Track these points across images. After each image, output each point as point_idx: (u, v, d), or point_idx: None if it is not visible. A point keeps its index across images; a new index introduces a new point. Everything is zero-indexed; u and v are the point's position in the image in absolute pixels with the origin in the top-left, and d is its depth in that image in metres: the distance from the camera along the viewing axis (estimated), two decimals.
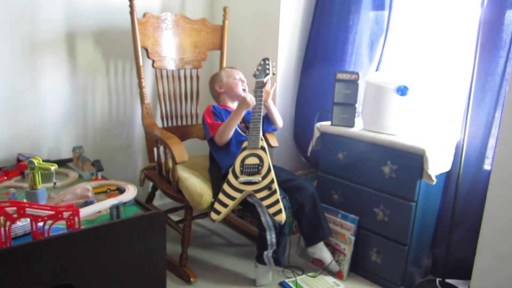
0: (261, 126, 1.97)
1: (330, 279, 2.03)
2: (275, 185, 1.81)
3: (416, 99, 1.90)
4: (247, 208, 1.95)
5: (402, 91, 1.87)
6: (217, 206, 1.84)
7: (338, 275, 2.08)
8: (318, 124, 2.16)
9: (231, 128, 2.01)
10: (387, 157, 1.90)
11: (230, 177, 1.88)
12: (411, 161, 1.82)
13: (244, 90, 2.19)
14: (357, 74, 2.05)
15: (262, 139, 1.94)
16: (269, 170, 1.84)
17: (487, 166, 1.85)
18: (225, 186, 1.87)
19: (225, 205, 1.83)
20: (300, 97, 2.48)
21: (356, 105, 2.07)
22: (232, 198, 1.83)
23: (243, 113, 2.02)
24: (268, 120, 2.19)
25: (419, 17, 2.16)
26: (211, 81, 2.26)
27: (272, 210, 1.77)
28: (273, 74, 2.14)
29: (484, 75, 1.79)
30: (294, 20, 2.39)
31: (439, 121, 2.05)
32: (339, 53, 2.28)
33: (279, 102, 2.44)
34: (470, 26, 1.90)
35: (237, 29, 2.55)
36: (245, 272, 2.10)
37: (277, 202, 1.78)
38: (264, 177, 1.83)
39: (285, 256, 1.96)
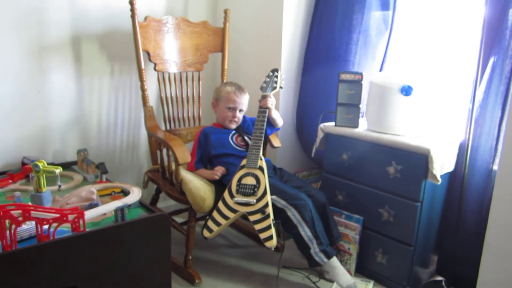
0: (261, 145, 1.97)
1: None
2: (269, 209, 1.78)
3: (420, 99, 1.89)
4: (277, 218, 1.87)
5: (406, 91, 1.87)
6: (210, 223, 1.83)
7: None
8: (322, 125, 2.16)
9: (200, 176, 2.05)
10: (391, 158, 1.89)
11: (226, 195, 1.87)
12: (416, 161, 1.82)
13: (231, 121, 2.13)
14: (361, 74, 2.04)
15: (261, 159, 1.93)
16: (264, 193, 1.82)
17: (493, 166, 1.84)
18: (220, 204, 1.86)
19: (218, 224, 1.82)
20: (302, 97, 2.48)
21: (360, 106, 2.07)
22: (225, 217, 1.82)
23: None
24: (269, 123, 2.14)
25: (423, 17, 2.15)
26: (214, 91, 2.23)
27: (263, 235, 1.73)
28: (281, 88, 2.12)
29: (486, 74, 1.77)
30: (295, 21, 2.39)
31: (443, 121, 2.04)
32: (342, 53, 2.28)
33: (281, 102, 2.44)
34: (474, 25, 1.89)
35: (239, 31, 2.56)
36: (249, 273, 2.09)
37: (269, 227, 1.74)
38: (259, 200, 1.81)
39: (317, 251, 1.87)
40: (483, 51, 1.70)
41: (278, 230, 1.82)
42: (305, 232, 1.85)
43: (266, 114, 2.02)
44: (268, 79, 2.10)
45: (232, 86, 2.15)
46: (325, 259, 1.87)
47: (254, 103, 2.16)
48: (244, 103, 2.15)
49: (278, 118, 2.15)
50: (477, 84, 1.74)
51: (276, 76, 2.09)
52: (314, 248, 1.86)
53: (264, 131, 2.00)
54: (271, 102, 2.06)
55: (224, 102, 2.13)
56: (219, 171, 2.02)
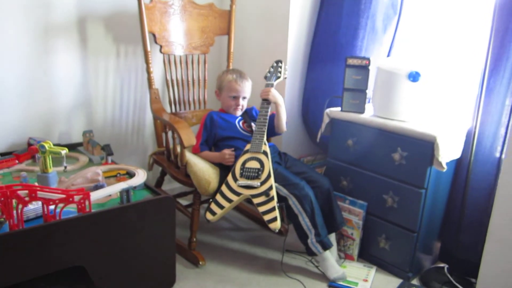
0: (265, 130, 1.96)
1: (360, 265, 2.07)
2: (273, 192, 1.79)
3: (427, 86, 1.87)
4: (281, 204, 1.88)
5: (413, 77, 1.85)
6: (213, 206, 1.83)
7: (349, 259, 2.09)
8: (328, 110, 2.15)
9: (206, 160, 2.05)
10: (397, 144, 1.88)
11: (229, 178, 1.87)
12: (422, 148, 1.81)
13: (235, 109, 2.13)
14: (368, 59, 2.02)
15: (265, 143, 1.93)
16: (268, 176, 1.83)
17: (498, 154, 1.82)
18: (223, 187, 1.86)
19: (221, 207, 1.82)
20: (309, 82, 2.46)
21: (367, 91, 2.05)
22: (229, 200, 1.83)
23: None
24: (271, 126, 2.11)
25: (432, 2, 2.11)
26: (217, 79, 2.22)
27: (267, 217, 1.75)
28: (285, 78, 2.12)
29: (498, 61, 1.75)
30: (303, 4, 2.36)
31: (450, 108, 2.02)
32: (350, 38, 2.24)
33: (288, 87, 2.42)
34: (485, 11, 1.85)
35: (246, 14, 2.52)
36: (253, 256, 2.12)
37: (273, 209, 1.76)
38: (263, 183, 1.82)
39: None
40: (493, 37, 1.67)
41: (282, 214, 1.83)
42: (305, 222, 1.87)
43: (269, 107, 2.03)
44: (272, 69, 2.12)
45: (233, 74, 2.14)
46: (321, 250, 1.89)
47: (259, 88, 2.14)
48: (247, 90, 2.15)
49: (284, 119, 2.10)
50: (486, 71, 1.72)
51: (280, 67, 2.11)
52: (312, 238, 1.88)
53: (267, 118, 2.00)
54: (272, 94, 2.03)
55: (226, 91, 2.13)
56: (231, 157, 1.99)
